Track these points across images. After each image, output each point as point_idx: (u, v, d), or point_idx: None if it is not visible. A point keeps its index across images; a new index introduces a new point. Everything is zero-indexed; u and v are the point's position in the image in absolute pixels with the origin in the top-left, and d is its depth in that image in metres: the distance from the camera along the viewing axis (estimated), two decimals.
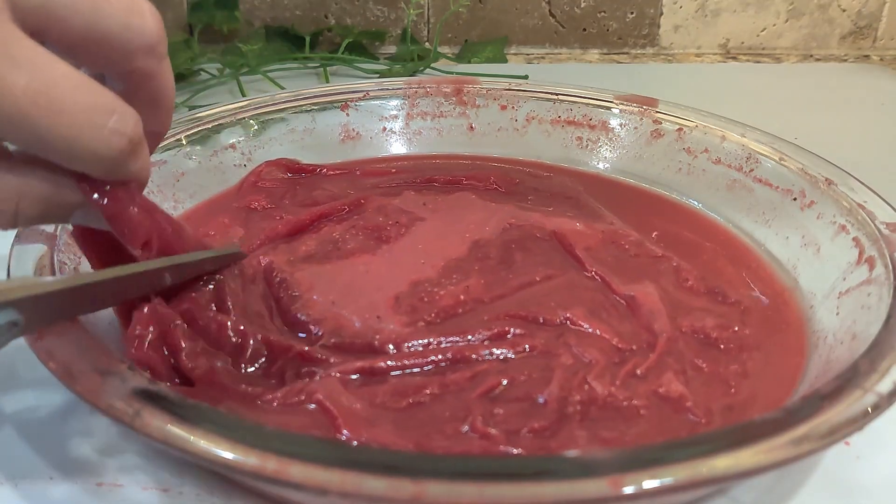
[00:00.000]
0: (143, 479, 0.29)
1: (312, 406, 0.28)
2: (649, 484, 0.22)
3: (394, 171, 0.49)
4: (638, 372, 0.31)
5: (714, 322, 0.35)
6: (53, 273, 0.31)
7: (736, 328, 0.35)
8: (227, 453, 0.23)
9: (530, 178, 0.49)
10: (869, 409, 0.25)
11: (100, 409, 0.24)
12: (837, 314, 0.34)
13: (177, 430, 0.23)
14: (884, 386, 0.26)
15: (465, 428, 0.28)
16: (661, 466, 0.22)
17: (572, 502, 0.22)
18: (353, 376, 0.31)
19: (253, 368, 0.31)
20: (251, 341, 0.31)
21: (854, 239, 0.36)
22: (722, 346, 0.34)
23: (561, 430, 0.28)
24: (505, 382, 0.30)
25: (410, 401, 0.29)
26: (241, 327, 0.31)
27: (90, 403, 0.25)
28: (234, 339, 0.31)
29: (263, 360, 0.31)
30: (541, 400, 0.29)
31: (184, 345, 0.29)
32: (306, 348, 0.31)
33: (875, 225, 0.36)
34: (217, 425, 0.23)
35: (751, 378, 0.32)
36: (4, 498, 0.28)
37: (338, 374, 0.30)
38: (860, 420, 0.25)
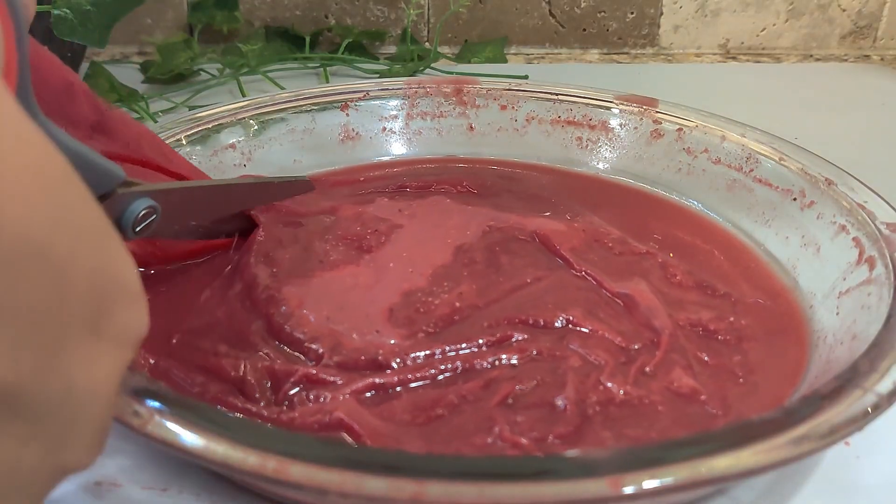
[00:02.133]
0: (143, 478, 0.29)
1: (333, 425, 0.28)
2: (649, 484, 0.22)
3: (362, 179, 0.48)
4: (647, 370, 0.32)
5: (710, 315, 0.35)
6: None
7: (731, 319, 0.35)
8: (227, 453, 0.23)
9: (501, 180, 0.48)
10: (869, 409, 0.25)
11: None
12: (837, 314, 0.34)
13: (177, 430, 0.23)
14: (884, 386, 0.26)
15: (492, 439, 0.28)
16: (661, 466, 0.22)
17: (572, 502, 0.22)
18: (367, 394, 0.30)
19: (258, 395, 0.30)
20: (249, 376, 0.30)
21: (854, 239, 0.36)
22: (720, 338, 0.34)
23: (586, 433, 0.28)
24: (519, 389, 0.30)
25: (430, 415, 0.29)
26: (239, 362, 0.31)
27: None
28: (233, 375, 0.31)
29: (269, 388, 0.30)
30: (560, 403, 0.29)
31: (185, 383, 0.30)
32: (313, 372, 0.30)
33: (875, 225, 0.36)
34: (217, 425, 0.23)
35: (755, 368, 0.33)
36: None
37: (347, 395, 0.30)
38: (860, 420, 0.25)
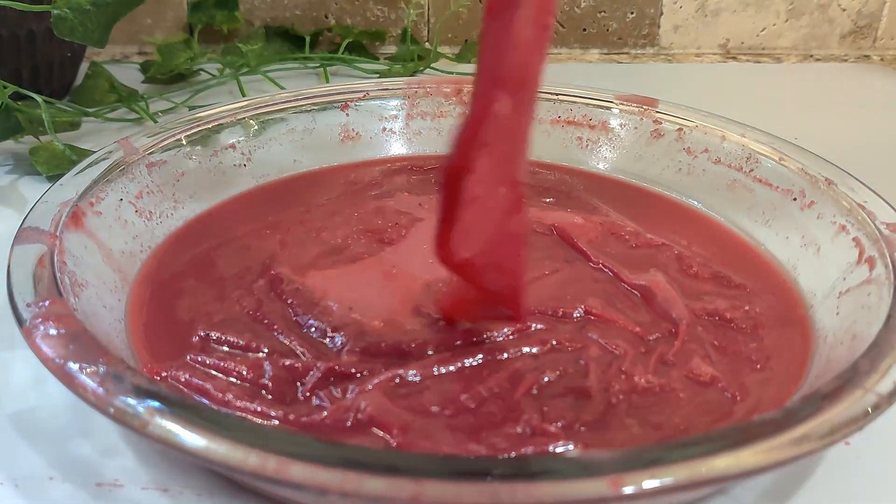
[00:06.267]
0: (143, 479, 0.29)
1: (364, 423, 0.28)
2: (649, 484, 0.22)
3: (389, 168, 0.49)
4: (666, 359, 0.32)
5: (726, 304, 0.36)
6: (53, 273, 0.31)
7: (747, 307, 0.36)
8: (227, 453, 0.23)
9: None
10: (869, 409, 0.25)
11: (100, 410, 0.24)
12: (837, 314, 0.34)
13: (177, 430, 0.23)
14: (884, 386, 0.26)
15: (521, 428, 0.28)
16: (661, 466, 0.22)
17: (572, 502, 0.22)
18: (393, 385, 0.30)
19: (282, 396, 0.30)
20: (270, 377, 0.30)
21: (854, 239, 0.36)
22: (735, 326, 0.35)
23: (611, 421, 0.29)
24: (543, 379, 0.30)
25: (458, 406, 0.29)
26: (259, 361, 0.31)
27: (90, 403, 0.25)
28: (253, 376, 0.30)
29: (291, 386, 0.30)
30: (584, 392, 0.30)
31: (208, 386, 0.30)
32: (336, 367, 0.30)
33: (875, 225, 0.36)
34: (217, 425, 0.23)
35: (772, 353, 0.33)
36: (4, 498, 0.28)
37: (370, 387, 0.29)
38: (860, 420, 0.25)
